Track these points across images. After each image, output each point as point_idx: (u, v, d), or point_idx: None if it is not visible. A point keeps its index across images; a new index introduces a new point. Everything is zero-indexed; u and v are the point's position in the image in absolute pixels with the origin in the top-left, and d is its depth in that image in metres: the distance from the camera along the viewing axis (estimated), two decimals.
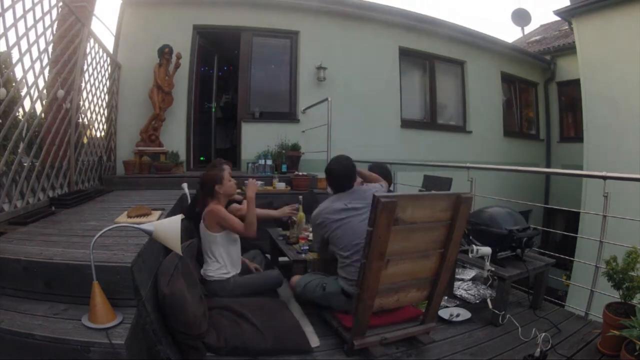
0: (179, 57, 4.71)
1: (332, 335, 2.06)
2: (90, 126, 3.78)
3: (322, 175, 4.32)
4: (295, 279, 2.31)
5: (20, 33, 2.23)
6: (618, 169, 2.71)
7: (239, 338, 1.73)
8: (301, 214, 3.12)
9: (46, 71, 2.60)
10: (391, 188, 2.85)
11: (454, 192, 1.91)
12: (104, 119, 4.21)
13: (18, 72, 2.29)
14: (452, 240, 1.86)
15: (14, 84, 2.33)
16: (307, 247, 2.62)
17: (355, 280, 1.82)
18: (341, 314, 2.05)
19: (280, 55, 5.68)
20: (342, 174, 2.19)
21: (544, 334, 1.81)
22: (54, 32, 2.73)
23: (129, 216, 2.31)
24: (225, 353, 1.70)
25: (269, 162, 4.89)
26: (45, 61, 2.59)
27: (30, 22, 2.34)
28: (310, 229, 2.85)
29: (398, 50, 6.21)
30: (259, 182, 4.28)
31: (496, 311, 2.22)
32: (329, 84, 5.51)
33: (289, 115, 5.56)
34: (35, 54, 2.40)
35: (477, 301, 2.45)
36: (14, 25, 2.14)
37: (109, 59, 4.25)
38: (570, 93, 7.98)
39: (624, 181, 2.55)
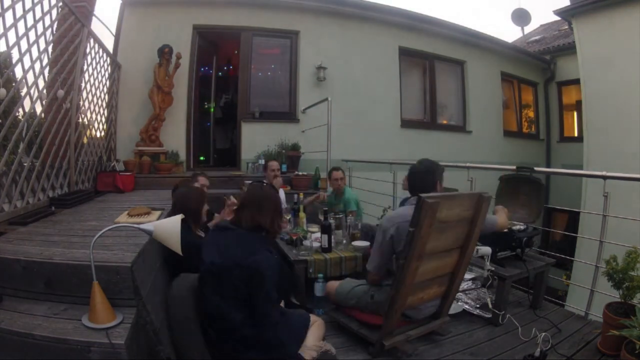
0: (178, 57, 4.71)
1: (341, 333, 2.08)
2: (90, 126, 3.78)
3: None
4: (334, 285, 2.20)
5: (20, 33, 2.22)
6: (618, 169, 2.71)
7: None
8: (302, 213, 3.12)
9: (46, 71, 2.60)
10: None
11: (476, 192, 1.95)
12: (104, 119, 4.21)
13: (18, 72, 2.30)
14: (473, 237, 1.92)
15: (14, 84, 2.33)
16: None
17: None
18: (363, 315, 2.04)
19: (280, 55, 5.68)
20: (418, 177, 2.02)
21: (544, 333, 1.81)
22: (54, 32, 2.72)
23: (130, 215, 2.32)
24: None
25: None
26: (45, 61, 2.59)
27: (30, 22, 2.34)
28: (317, 229, 2.86)
29: (398, 50, 6.21)
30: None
31: (496, 311, 2.22)
32: (329, 84, 5.52)
33: (289, 115, 5.56)
34: (35, 54, 2.40)
35: (477, 311, 2.43)
36: (14, 25, 2.14)
37: (109, 59, 4.25)
38: (570, 93, 7.99)
39: (624, 181, 2.55)
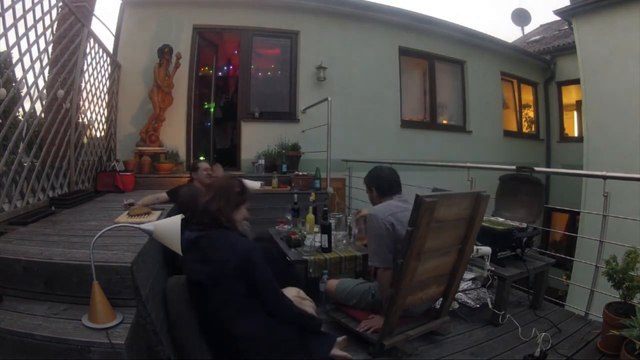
0: (178, 57, 4.71)
1: (341, 333, 2.06)
2: (90, 126, 3.77)
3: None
4: (333, 284, 2.19)
5: (20, 33, 2.22)
6: (618, 169, 2.71)
7: None
8: (310, 215, 3.10)
9: (46, 71, 2.59)
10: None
11: (474, 191, 1.97)
12: (104, 119, 4.21)
13: (18, 72, 2.29)
14: (471, 236, 1.93)
15: (14, 84, 2.33)
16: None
17: None
18: (363, 314, 2.04)
19: (280, 55, 5.68)
20: (392, 177, 2.17)
21: (544, 333, 1.81)
22: (54, 32, 2.72)
23: (130, 215, 2.32)
24: None
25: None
26: (45, 61, 2.59)
27: (30, 22, 2.33)
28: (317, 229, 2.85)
29: (398, 50, 6.20)
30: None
31: (496, 311, 2.22)
32: (329, 84, 5.51)
33: (289, 115, 5.55)
34: (35, 54, 2.40)
35: (478, 305, 2.45)
36: (14, 25, 2.13)
37: (109, 59, 4.25)
38: (570, 93, 7.99)
39: (624, 181, 2.55)
